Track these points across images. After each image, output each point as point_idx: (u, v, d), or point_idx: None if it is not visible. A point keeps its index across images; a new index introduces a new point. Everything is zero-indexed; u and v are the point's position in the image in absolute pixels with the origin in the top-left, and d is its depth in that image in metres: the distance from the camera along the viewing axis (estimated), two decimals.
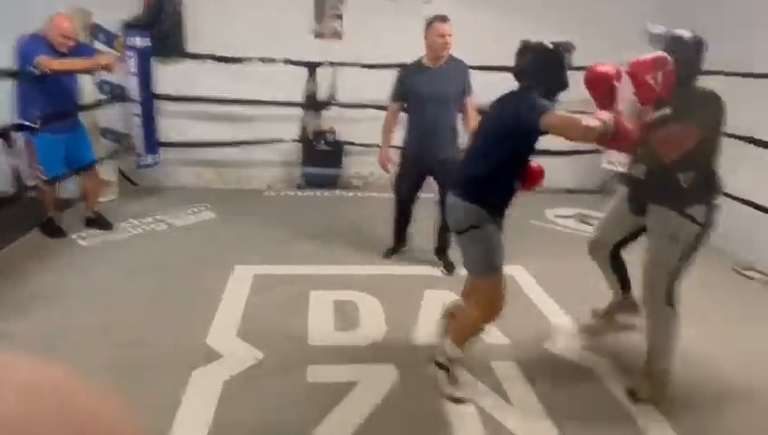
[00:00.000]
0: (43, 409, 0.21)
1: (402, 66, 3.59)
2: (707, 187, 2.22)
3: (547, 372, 2.48)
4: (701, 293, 3.07)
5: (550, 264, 3.74)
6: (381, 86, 5.20)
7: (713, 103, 2.15)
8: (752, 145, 3.79)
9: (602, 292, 3.50)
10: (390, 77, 5.12)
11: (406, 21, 5.21)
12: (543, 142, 5.72)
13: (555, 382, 2.41)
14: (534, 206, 5.16)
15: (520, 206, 5.09)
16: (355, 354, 2.57)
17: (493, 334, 2.78)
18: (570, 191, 5.85)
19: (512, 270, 3.61)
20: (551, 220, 4.83)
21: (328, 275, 3.43)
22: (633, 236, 2.55)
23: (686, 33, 2.23)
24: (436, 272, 3.57)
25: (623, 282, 2.69)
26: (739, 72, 3.75)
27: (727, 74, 3.48)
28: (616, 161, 5.38)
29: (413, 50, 5.15)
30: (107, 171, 4.62)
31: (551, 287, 3.37)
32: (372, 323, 2.87)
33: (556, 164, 5.71)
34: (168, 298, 3.04)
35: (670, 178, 2.20)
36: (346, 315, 2.94)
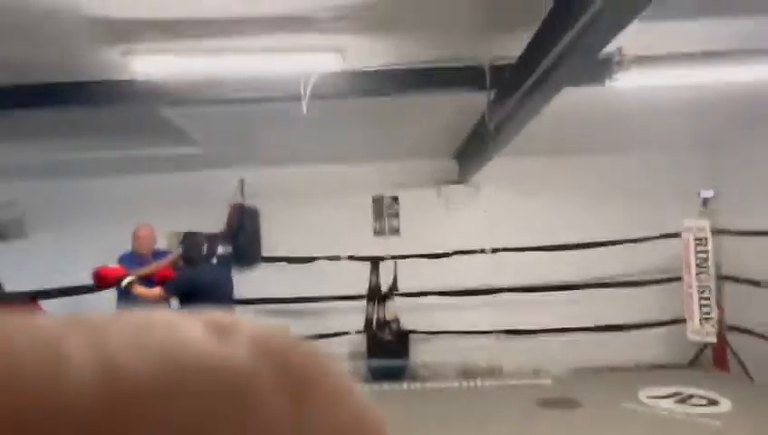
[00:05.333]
0: None
1: None
2: None
3: None
4: None
5: None
6: (439, 273, 5.40)
7: None
8: None
9: None
10: (446, 265, 5.35)
11: (455, 212, 5.63)
12: (620, 317, 5.40)
13: None
14: (624, 386, 4.68)
15: (607, 387, 4.67)
16: None
17: None
18: (659, 367, 5.33)
19: None
20: (645, 403, 4.31)
21: None
22: None
23: None
24: None
25: None
26: None
27: None
28: (703, 331, 4.97)
29: (463, 237, 5.47)
30: None
31: None
32: None
33: (639, 338, 5.36)
34: None
35: None
36: None
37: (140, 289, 3.62)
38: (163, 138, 4.43)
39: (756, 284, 4.63)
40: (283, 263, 5.40)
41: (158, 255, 4.16)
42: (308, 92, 2.77)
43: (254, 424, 0.17)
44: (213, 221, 5.34)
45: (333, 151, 5.24)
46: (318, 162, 5.49)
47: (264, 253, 5.49)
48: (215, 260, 3.84)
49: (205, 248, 3.68)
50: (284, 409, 0.18)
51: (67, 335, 0.17)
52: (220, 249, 5.02)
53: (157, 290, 3.64)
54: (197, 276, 3.62)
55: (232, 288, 5.13)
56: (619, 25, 2.23)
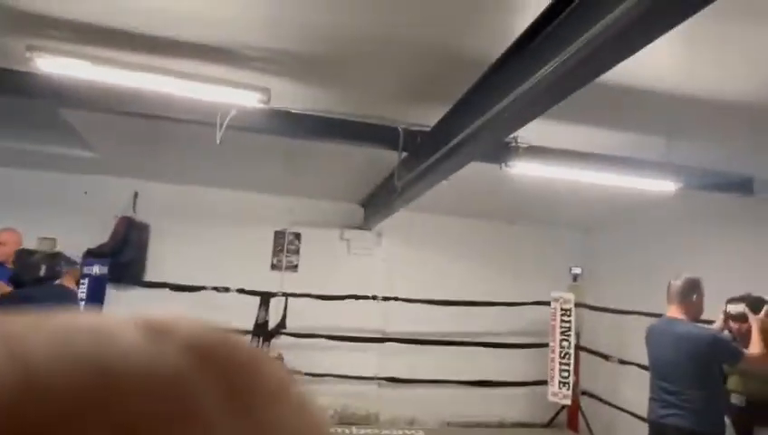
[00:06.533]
0: None
1: None
2: None
3: None
4: None
5: None
6: (329, 315, 5.41)
7: None
8: None
9: None
10: (337, 307, 5.38)
11: (355, 256, 5.73)
12: (491, 374, 5.67)
13: None
14: None
15: None
16: None
17: None
18: (521, 425, 5.73)
19: None
20: None
21: None
22: None
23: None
24: None
25: None
26: None
27: None
28: (560, 394, 5.46)
29: (359, 281, 5.57)
30: None
31: None
32: None
33: (506, 395, 5.74)
34: None
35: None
36: None
37: None
38: (55, 136, 4.05)
39: (605, 357, 5.24)
40: (166, 289, 5.07)
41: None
42: (224, 125, 2.74)
43: (191, 429, 0.16)
44: (95, 231, 4.91)
45: (240, 179, 5.13)
46: (222, 186, 5.33)
47: (149, 275, 5.12)
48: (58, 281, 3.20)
49: (43, 270, 3.03)
50: (223, 410, 0.17)
51: None
52: (96, 269, 4.61)
53: None
54: (28, 298, 2.93)
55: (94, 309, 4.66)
56: (524, 119, 2.53)
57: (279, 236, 5.62)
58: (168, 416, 0.16)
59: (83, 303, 4.45)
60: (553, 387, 5.52)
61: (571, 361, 5.48)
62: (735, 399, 2.90)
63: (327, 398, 5.36)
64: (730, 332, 2.93)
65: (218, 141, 2.84)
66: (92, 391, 0.15)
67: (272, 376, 0.20)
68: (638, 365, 4.44)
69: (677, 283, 2.85)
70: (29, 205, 4.66)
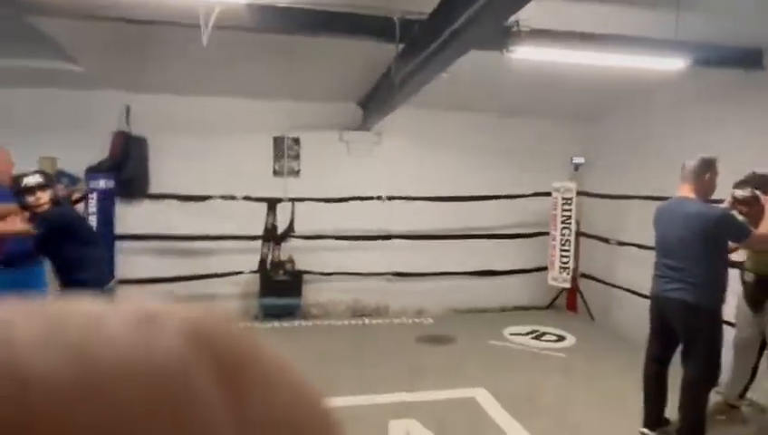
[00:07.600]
0: None
1: None
2: None
3: None
4: None
5: (511, 384, 3.79)
6: (335, 217, 5.54)
7: None
8: None
9: (563, 408, 3.56)
10: (343, 208, 5.49)
11: (356, 157, 5.72)
12: (493, 264, 5.91)
13: None
14: (492, 325, 5.31)
15: (478, 326, 5.26)
16: None
17: None
18: (522, 308, 6.09)
19: (475, 393, 3.63)
20: (508, 339, 4.95)
21: None
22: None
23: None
24: (402, 398, 3.52)
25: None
26: None
27: None
28: (561, 278, 5.73)
29: (362, 182, 5.62)
30: None
31: (515, 409, 3.39)
32: None
33: (508, 282, 6.03)
34: None
35: None
36: None
37: None
38: (36, 50, 3.87)
39: (605, 240, 5.41)
40: (173, 200, 5.14)
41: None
42: (210, 24, 2.59)
43: (188, 421, 0.16)
44: (92, 147, 4.87)
45: (234, 85, 4.96)
46: (216, 95, 5.18)
47: (153, 188, 5.16)
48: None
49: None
50: (222, 400, 0.16)
51: None
52: (102, 183, 4.64)
53: (21, 225, 3.06)
54: (63, 215, 3.14)
55: (104, 224, 4.72)
56: None
57: (278, 141, 5.56)
58: (162, 405, 0.15)
59: (94, 218, 4.55)
60: (553, 272, 5.78)
61: (572, 247, 5.68)
62: (747, 276, 3.06)
63: (339, 293, 5.67)
64: (740, 214, 2.95)
65: (204, 43, 2.70)
66: (78, 379, 0.15)
67: (269, 362, 0.19)
68: (637, 246, 4.61)
69: (691, 163, 2.84)
70: (20, 125, 4.58)
